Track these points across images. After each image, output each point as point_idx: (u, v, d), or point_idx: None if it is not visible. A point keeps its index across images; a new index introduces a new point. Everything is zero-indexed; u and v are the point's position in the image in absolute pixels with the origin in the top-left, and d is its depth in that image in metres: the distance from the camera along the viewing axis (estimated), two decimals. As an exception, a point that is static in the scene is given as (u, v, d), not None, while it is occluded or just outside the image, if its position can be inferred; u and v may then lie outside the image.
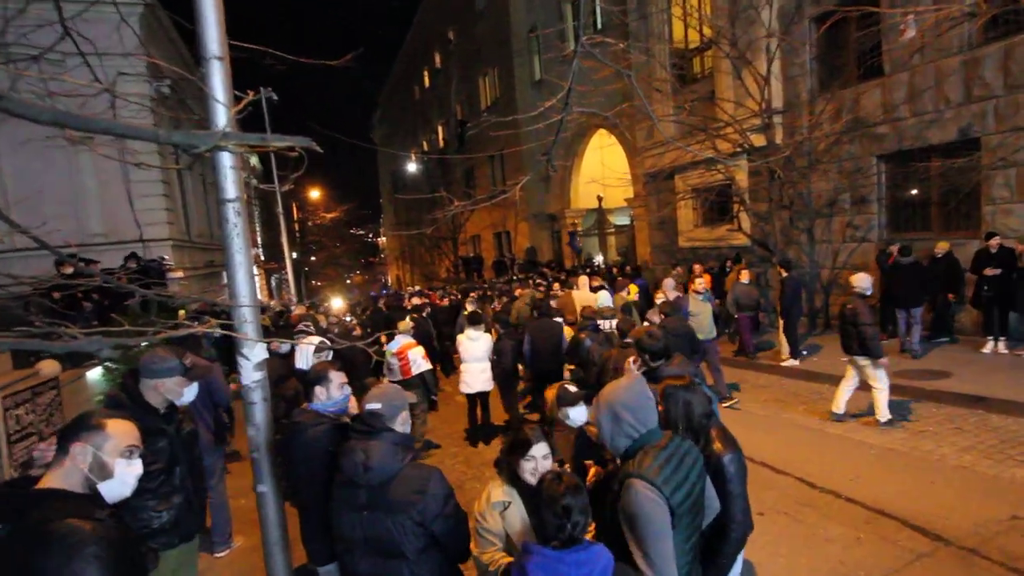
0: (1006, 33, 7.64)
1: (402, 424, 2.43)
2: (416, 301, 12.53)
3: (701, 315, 7.14)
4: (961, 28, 7.95)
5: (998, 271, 7.35)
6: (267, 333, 8.40)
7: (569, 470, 2.41)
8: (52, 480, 1.78)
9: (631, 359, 3.82)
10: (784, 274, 8.53)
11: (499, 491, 2.37)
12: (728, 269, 10.47)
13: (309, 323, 9.03)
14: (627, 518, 1.97)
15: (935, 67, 8.38)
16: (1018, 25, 7.54)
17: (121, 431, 1.93)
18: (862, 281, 5.91)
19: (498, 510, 2.32)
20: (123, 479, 1.91)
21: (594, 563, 1.80)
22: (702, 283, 7.40)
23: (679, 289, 8.02)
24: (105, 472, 1.86)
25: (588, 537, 1.94)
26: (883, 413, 5.80)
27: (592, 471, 2.50)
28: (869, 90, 9.24)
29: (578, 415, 3.05)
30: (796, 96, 10.41)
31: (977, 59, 7.93)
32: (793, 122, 10.22)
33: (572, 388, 3.07)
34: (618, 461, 2.15)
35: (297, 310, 10.02)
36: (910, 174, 9.00)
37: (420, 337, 8.17)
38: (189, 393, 2.91)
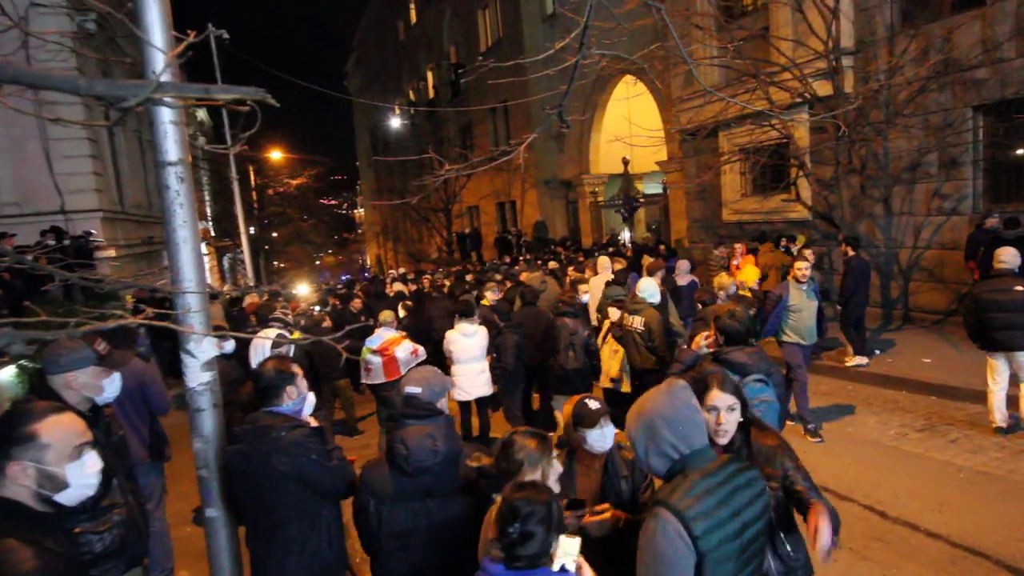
0: None
1: (444, 408, 2.96)
2: (399, 287, 12.56)
3: (804, 312, 6.50)
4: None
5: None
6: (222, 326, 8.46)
7: (590, 516, 2.49)
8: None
9: (704, 333, 4.22)
10: (850, 253, 8.49)
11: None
12: (786, 248, 10.36)
13: (287, 311, 9.13)
14: (640, 549, 1.98)
15: (1048, -6, 8.27)
16: None
17: (60, 432, 1.94)
18: (1009, 256, 5.80)
19: None
20: (81, 482, 1.94)
21: None
22: (806, 267, 6.63)
23: (710, 271, 8.06)
24: (57, 483, 1.89)
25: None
26: None
27: (609, 513, 2.52)
28: (965, 23, 9.11)
29: (601, 440, 2.74)
30: (871, 33, 10.29)
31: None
32: (867, 66, 10.11)
33: (594, 403, 2.76)
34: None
35: (250, 299, 10.07)
36: (1015, 129, 8.90)
37: (416, 334, 8.22)
38: (111, 386, 2.92)
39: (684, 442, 2.03)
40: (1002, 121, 9.07)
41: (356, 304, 9.89)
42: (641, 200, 18.77)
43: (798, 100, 10.16)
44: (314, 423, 3.04)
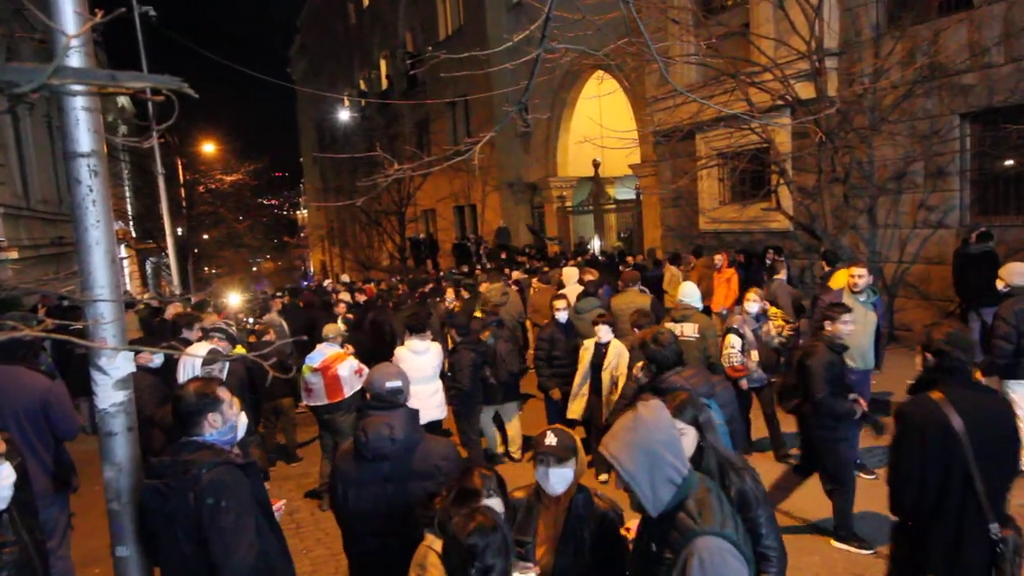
0: None
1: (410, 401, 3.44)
2: (346, 298, 12.43)
3: (859, 328, 5.85)
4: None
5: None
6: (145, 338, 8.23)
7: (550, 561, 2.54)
8: None
9: (638, 365, 4.38)
10: (826, 268, 8.69)
11: (436, 559, 2.41)
12: (770, 262, 10.57)
13: (231, 322, 8.94)
14: None
15: (1039, -2, 8.59)
16: None
17: None
18: (1014, 274, 5.65)
19: None
20: None
21: None
22: (863, 276, 6.40)
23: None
24: None
25: None
26: None
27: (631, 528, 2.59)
28: (952, 26, 9.42)
29: (544, 479, 2.70)
30: (856, 33, 10.58)
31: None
32: (851, 68, 10.40)
33: (550, 438, 2.71)
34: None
35: (173, 308, 9.86)
36: (1003, 139, 9.19)
37: (367, 349, 8.13)
38: None
39: (683, 463, 2.11)
40: (990, 130, 9.36)
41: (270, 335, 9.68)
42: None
43: (779, 103, 10.35)
44: (240, 458, 2.95)
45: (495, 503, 2.51)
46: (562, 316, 7.23)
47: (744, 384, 6.40)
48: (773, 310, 7.12)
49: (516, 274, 13.12)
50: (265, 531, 2.84)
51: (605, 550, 2.69)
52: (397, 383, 3.35)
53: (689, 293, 6.61)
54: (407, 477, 3.12)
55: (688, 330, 6.27)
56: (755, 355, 6.47)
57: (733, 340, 6.37)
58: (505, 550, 2.08)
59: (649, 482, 2.07)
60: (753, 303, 6.71)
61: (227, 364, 4.48)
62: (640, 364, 4.36)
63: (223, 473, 2.68)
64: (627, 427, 2.14)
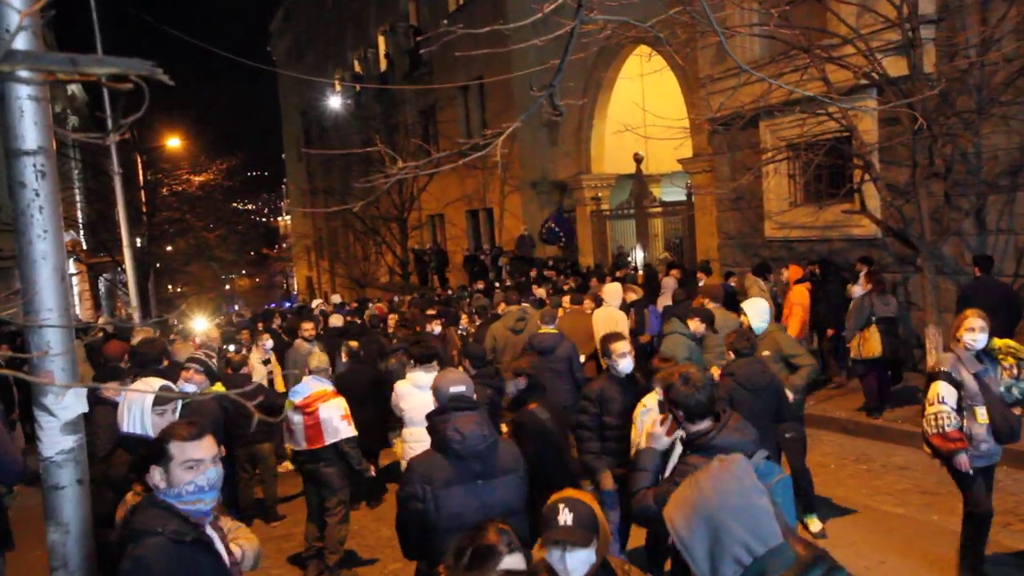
0: None
1: None
2: (336, 322, 12.51)
3: None
4: None
5: None
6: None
7: None
8: None
9: (657, 419, 4.06)
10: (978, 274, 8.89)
11: None
12: (854, 274, 10.58)
13: (211, 353, 9.03)
14: None
15: None
16: None
17: None
18: None
19: None
20: None
21: None
22: None
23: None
24: None
25: None
26: None
27: None
28: (1080, -15, 9.35)
29: (560, 564, 2.68)
30: (958, -3, 10.53)
31: None
32: (953, 38, 10.33)
33: (566, 515, 2.66)
34: None
35: (142, 333, 9.96)
36: None
37: (358, 386, 8.13)
38: None
39: (759, 540, 1.98)
40: None
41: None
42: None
43: (863, 82, 10.32)
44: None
45: (516, 560, 2.50)
46: (625, 365, 5.85)
47: (964, 462, 5.06)
48: (1004, 342, 5.50)
49: (540, 291, 13.13)
50: None
51: None
52: (462, 387, 4.17)
53: (761, 311, 6.56)
54: (495, 473, 3.92)
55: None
56: (982, 415, 5.07)
57: (943, 391, 5.10)
58: None
59: (707, 556, 2.01)
60: (976, 332, 5.21)
61: (179, 405, 4.31)
62: (659, 418, 4.04)
63: (151, 550, 2.66)
64: (701, 483, 2.08)
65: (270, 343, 10.26)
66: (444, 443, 3.85)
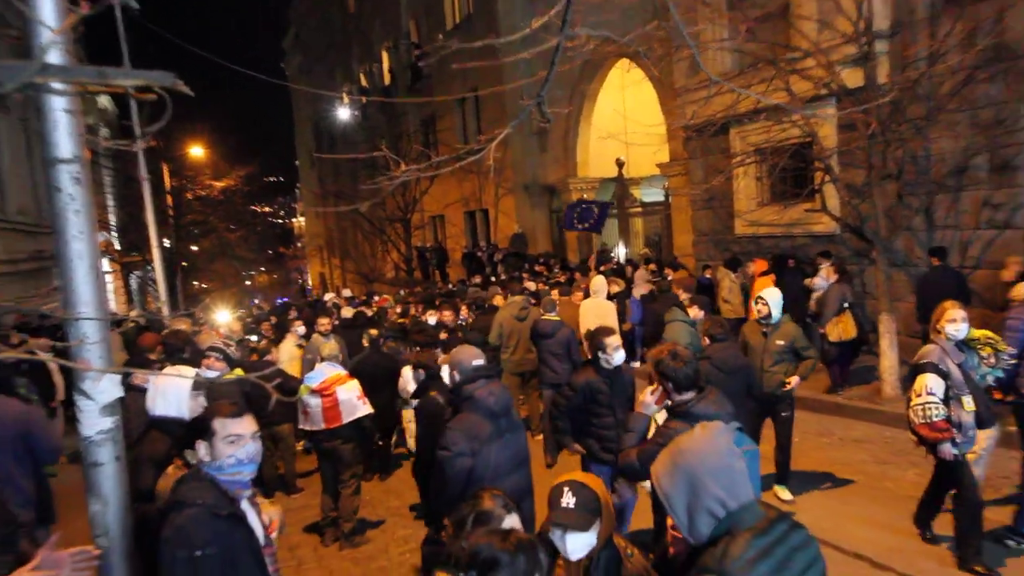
0: None
1: None
2: (347, 314, 12.51)
3: None
4: None
5: None
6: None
7: None
8: None
9: (648, 389, 4.14)
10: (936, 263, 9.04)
11: None
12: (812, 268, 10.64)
13: (230, 342, 9.03)
14: None
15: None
16: None
17: None
18: None
19: None
20: None
21: None
22: None
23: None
24: None
25: None
26: None
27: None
28: (1020, 3, 9.35)
29: (560, 544, 2.62)
30: (910, 12, 10.54)
31: None
32: (905, 51, 10.34)
33: (567, 499, 2.60)
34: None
35: (178, 323, 9.90)
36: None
37: (379, 373, 8.15)
38: None
39: (732, 497, 2.03)
40: (1063, 119, 9.31)
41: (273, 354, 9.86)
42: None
43: (823, 92, 10.32)
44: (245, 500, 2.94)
45: (513, 520, 2.54)
46: (619, 358, 5.54)
47: (949, 451, 4.88)
48: (982, 332, 5.30)
49: (531, 285, 13.14)
50: None
51: None
52: (481, 360, 4.44)
53: (775, 298, 6.55)
54: (514, 427, 4.35)
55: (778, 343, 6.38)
56: (968, 403, 4.90)
57: (931, 383, 4.87)
58: (528, 573, 2.08)
59: (686, 510, 2.06)
60: (958, 323, 5.04)
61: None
62: (650, 388, 4.14)
63: (189, 520, 2.69)
64: (683, 445, 2.13)
65: (302, 330, 10.24)
66: (479, 404, 4.14)
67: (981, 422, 4.91)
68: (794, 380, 6.41)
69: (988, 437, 5.25)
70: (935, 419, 4.74)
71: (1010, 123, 9.59)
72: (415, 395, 6.05)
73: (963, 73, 9.57)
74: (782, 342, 6.44)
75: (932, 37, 9.91)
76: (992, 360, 5.15)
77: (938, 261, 9.46)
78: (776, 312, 6.50)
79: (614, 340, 5.54)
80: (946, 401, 4.78)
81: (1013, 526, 5.40)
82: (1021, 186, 9.69)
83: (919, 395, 4.86)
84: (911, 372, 5.09)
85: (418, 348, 6.90)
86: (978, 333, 5.19)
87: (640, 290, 11.42)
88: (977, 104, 9.85)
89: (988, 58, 9.45)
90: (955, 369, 4.88)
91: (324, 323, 9.56)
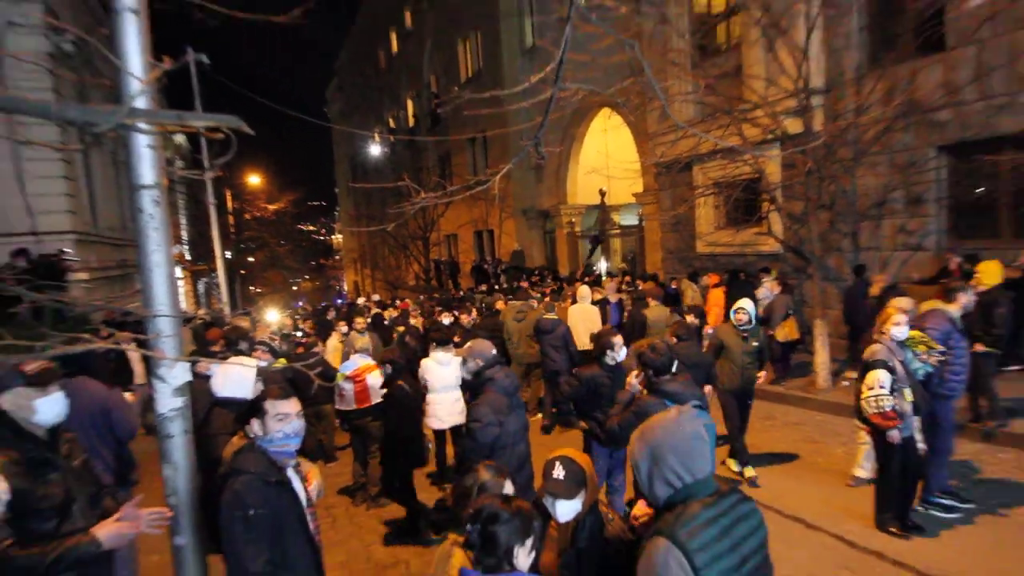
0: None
1: None
2: (387, 314, 12.47)
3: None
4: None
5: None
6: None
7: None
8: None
9: (633, 373, 4.50)
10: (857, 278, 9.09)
11: (460, 551, 2.38)
12: (758, 281, 10.65)
13: (275, 336, 9.01)
14: None
15: (1009, 41, 8.56)
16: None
17: None
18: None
19: None
20: None
21: None
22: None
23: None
24: None
25: None
26: None
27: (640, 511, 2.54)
28: (928, 67, 9.41)
29: (551, 508, 2.60)
30: (840, 73, 10.58)
31: (1053, 35, 8.12)
32: (836, 105, 10.39)
33: (559, 471, 2.58)
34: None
35: (238, 321, 9.91)
36: (976, 169, 9.17)
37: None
38: (46, 407, 2.77)
39: (688, 471, 2.02)
40: (964, 161, 9.35)
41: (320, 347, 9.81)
42: (612, 232, 19.05)
43: (769, 137, 10.34)
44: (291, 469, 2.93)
45: (508, 487, 2.57)
46: (623, 354, 5.34)
47: (897, 436, 4.78)
48: (916, 333, 5.15)
49: (535, 294, 13.10)
50: (296, 542, 2.83)
51: (608, 572, 2.53)
52: (494, 350, 4.59)
53: (753, 310, 6.58)
54: (519, 404, 4.53)
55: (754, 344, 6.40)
56: (909, 395, 4.82)
57: (881, 377, 4.74)
58: (520, 534, 2.08)
59: (647, 475, 2.05)
60: (901, 326, 4.95)
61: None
62: (635, 372, 4.49)
63: (244, 485, 2.69)
64: (655, 423, 2.11)
65: (345, 328, 10.23)
66: (499, 384, 4.34)
67: (918, 410, 4.85)
68: (763, 375, 6.71)
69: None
70: (886, 409, 4.66)
71: (920, 164, 9.65)
72: (383, 385, 6.03)
73: (883, 123, 9.60)
74: (756, 343, 6.45)
75: (858, 93, 9.94)
76: (925, 357, 5.03)
77: (857, 276, 9.47)
78: (753, 319, 6.49)
79: (619, 339, 5.40)
80: (891, 393, 4.71)
81: (922, 496, 5.39)
82: (930, 216, 9.74)
83: (871, 388, 4.74)
84: (862, 368, 4.96)
85: (434, 343, 6.88)
86: (914, 334, 5.08)
87: (612, 297, 11.39)
88: (894, 149, 9.89)
89: (903, 111, 9.49)
90: (899, 366, 4.81)
91: (360, 322, 9.55)
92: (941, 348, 5.16)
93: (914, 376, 4.91)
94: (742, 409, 6.60)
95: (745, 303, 6.54)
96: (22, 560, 2.43)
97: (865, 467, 5.88)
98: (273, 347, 6.86)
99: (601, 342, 5.37)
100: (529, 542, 2.10)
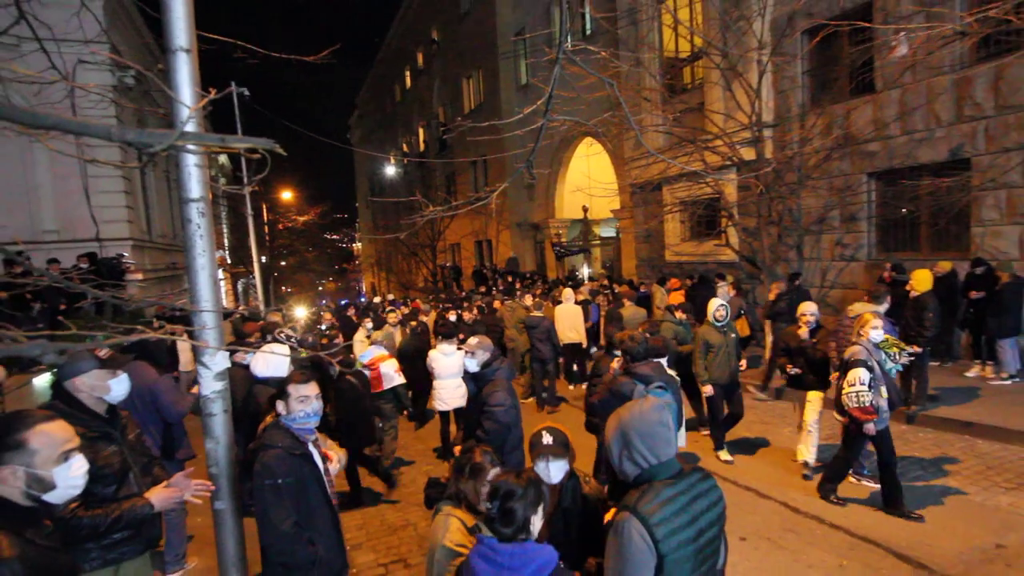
0: (997, 53, 7.92)
1: None
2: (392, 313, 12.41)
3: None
4: (953, 47, 8.22)
5: (982, 294, 7.55)
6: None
7: (544, 532, 2.44)
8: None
9: (617, 358, 4.62)
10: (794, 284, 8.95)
11: (458, 522, 2.37)
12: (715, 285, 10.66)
13: (295, 330, 8.93)
14: (607, 548, 1.96)
15: (927, 85, 8.64)
16: (1009, 45, 7.82)
17: (47, 439, 1.86)
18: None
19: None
20: (67, 484, 1.88)
21: (530, 558, 1.92)
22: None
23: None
24: (45, 485, 1.82)
25: None
26: None
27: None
28: (860, 106, 9.47)
29: (544, 473, 2.56)
30: (787, 110, 10.64)
31: (968, 79, 8.20)
32: (783, 136, 10.44)
33: (547, 437, 2.60)
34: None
35: (272, 316, 9.82)
36: (900, 192, 9.23)
37: (416, 353, 8.10)
38: (118, 386, 2.74)
39: (653, 454, 2.00)
40: (891, 186, 9.41)
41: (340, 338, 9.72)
42: (576, 246, 19.13)
43: (727, 163, 10.40)
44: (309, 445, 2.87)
45: (496, 471, 2.53)
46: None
47: (873, 429, 4.61)
48: (887, 336, 4.91)
49: (528, 298, 13.05)
50: (318, 505, 2.80)
51: (588, 526, 2.58)
52: (493, 346, 4.39)
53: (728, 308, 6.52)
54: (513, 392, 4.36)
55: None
56: (884, 391, 4.64)
57: (862, 375, 4.55)
58: (531, 504, 2.01)
59: (619, 456, 2.04)
60: (878, 330, 4.74)
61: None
62: (617, 358, 4.65)
63: (272, 458, 2.66)
64: (627, 410, 2.10)
65: (370, 324, 10.14)
66: (505, 372, 4.21)
67: (892, 405, 4.70)
68: (743, 363, 6.61)
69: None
70: (866, 404, 4.50)
71: (854, 188, 9.70)
72: (337, 379, 5.73)
73: (823, 153, 9.67)
74: (734, 335, 6.33)
75: (802, 127, 10.00)
76: (896, 357, 4.77)
77: (792, 282, 9.29)
78: (728, 314, 6.30)
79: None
80: (869, 389, 4.54)
81: (854, 469, 5.38)
82: (862, 231, 9.79)
83: (852, 385, 4.55)
84: (843, 367, 4.75)
85: (440, 336, 6.85)
86: (887, 337, 4.85)
87: (579, 297, 11.16)
88: (832, 174, 9.94)
89: (839, 143, 9.56)
90: (876, 365, 4.64)
91: (392, 316, 9.59)
92: (910, 349, 5.04)
93: (889, 375, 4.80)
94: (731, 399, 6.31)
95: (721, 301, 6.49)
96: (87, 520, 2.42)
97: (813, 453, 5.77)
98: (293, 338, 6.78)
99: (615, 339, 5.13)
100: (541, 509, 2.06)
